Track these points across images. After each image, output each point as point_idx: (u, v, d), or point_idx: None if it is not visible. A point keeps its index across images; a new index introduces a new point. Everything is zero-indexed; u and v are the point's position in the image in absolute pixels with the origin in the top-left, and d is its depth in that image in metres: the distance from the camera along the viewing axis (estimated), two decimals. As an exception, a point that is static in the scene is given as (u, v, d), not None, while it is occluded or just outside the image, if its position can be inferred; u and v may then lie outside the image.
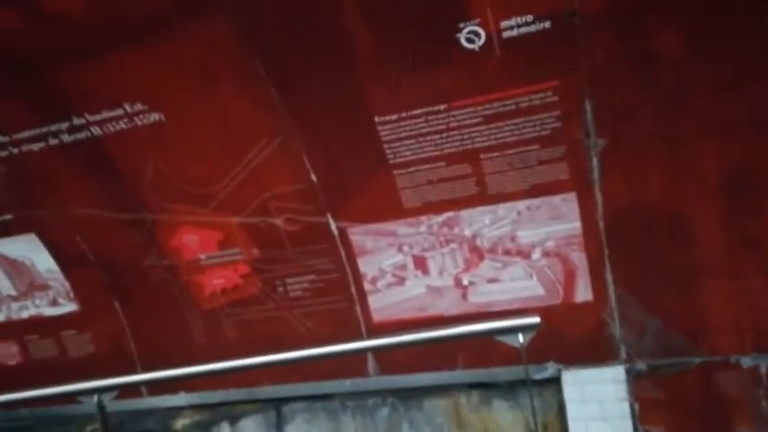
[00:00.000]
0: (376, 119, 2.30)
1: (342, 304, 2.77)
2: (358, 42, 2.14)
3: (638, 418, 2.49)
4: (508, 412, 2.75)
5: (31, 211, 2.88)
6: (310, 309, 2.83)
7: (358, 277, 2.71)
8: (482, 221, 2.49)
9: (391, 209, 2.51)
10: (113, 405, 2.84)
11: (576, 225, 2.38)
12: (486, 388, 2.78)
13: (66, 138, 2.53)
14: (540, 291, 2.53)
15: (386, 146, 2.35)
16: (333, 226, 2.61)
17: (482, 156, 2.33)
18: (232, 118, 2.39)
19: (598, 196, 2.31)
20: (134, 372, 3.18)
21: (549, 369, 2.62)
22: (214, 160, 2.52)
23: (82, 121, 2.45)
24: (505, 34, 2.02)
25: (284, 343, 2.82)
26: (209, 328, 3.02)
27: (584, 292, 2.47)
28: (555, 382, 2.62)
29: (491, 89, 2.17)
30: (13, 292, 3.21)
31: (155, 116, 2.40)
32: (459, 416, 2.82)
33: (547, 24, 1.98)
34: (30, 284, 3.17)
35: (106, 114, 2.42)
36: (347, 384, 2.95)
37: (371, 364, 2.88)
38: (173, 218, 2.73)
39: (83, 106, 2.40)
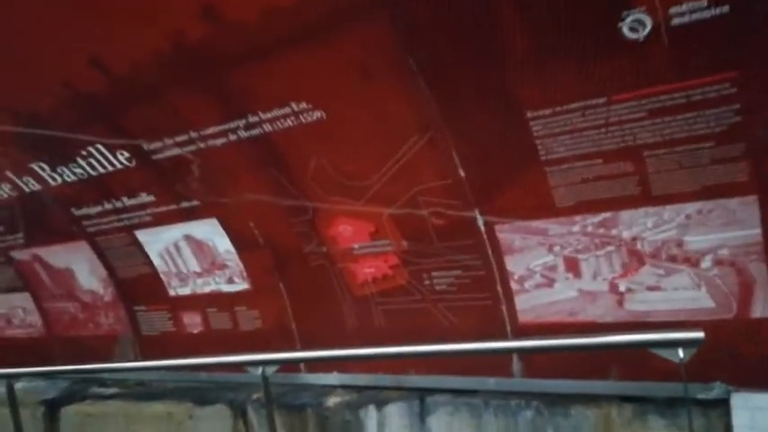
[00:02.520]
0: (528, 114, 2.23)
1: (487, 302, 2.75)
2: (512, 34, 2.09)
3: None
4: (665, 430, 2.53)
5: (214, 198, 3.25)
6: (455, 303, 2.85)
7: (505, 275, 2.66)
8: (644, 224, 2.31)
9: (542, 207, 2.43)
10: (276, 377, 3.10)
11: (755, 232, 2.12)
12: (641, 402, 2.58)
13: (243, 134, 2.81)
14: (710, 303, 2.29)
15: (537, 141, 2.28)
16: (480, 222, 2.59)
17: (646, 153, 2.15)
18: (386, 115, 2.48)
19: (784, 200, 2.03)
20: (294, 348, 3.45)
21: (716, 389, 2.36)
22: (369, 155, 2.64)
23: (256, 118, 2.70)
24: (675, 21, 1.85)
25: (428, 334, 2.88)
26: (360, 314, 3.17)
27: (762, 307, 2.18)
28: (723, 404, 2.36)
29: (657, 81, 1.99)
30: (198, 269, 3.66)
31: (317, 114, 2.57)
32: (608, 428, 2.65)
33: (725, 9, 1.77)
34: (211, 263, 3.57)
35: (276, 112, 2.64)
36: (491, 382, 2.92)
37: (516, 364, 2.82)
38: (330, 208, 2.91)
39: (256, 105, 2.65)
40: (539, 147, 2.28)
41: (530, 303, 2.66)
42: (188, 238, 3.53)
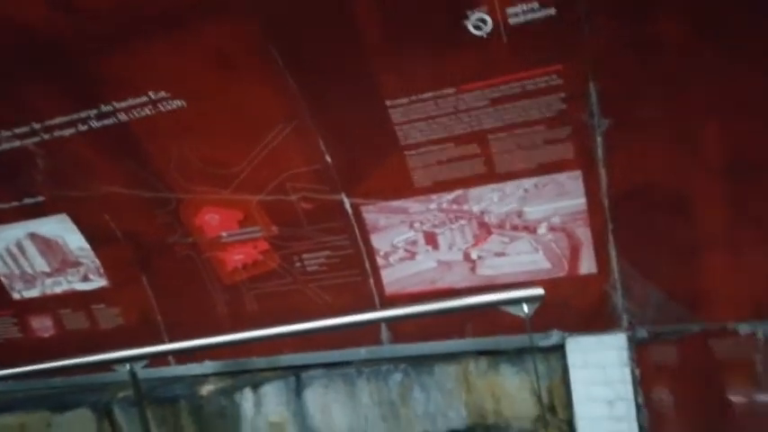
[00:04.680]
0: (387, 102, 2.39)
1: (356, 278, 2.91)
2: (368, 30, 2.21)
3: (638, 383, 2.63)
4: (515, 377, 2.90)
5: (63, 192, 3.02)
6: (326, 282, 2.98)
7: (371, 253, 2.84)
8: (490, 199, 2.60)
9: (403, 188, 2.62)
10: (144, 373, 3.02)
11: (581, 201, 2.48)
12: (494, 355, 2.92)
13: (94, 124, 2.64)
14: (546, 264, 2.65)
15: (397, 128, 2.45)
16: (347, 204, 2.73)
17: (490, 136, 2.42)
18: (250, 104, 2.49)
19: (602, 174, 2.40)
20: (162, 342, 3.36)
21: (554, 337, 2.75)
22: (233, 144, 2.63)
23: (110, 107, 2.57)
24: (512, 21, 2.09)
25: (302, 315, 2.97)
26: (232, 301, 3.18)
27: (588, 265, 2.58)
28: (559, 349, 2.76)
29: (498, 73, 2.24)
30: (47, 269, 3.38)
31: (177, 102, 2.51)
32: (467, 380, 2.98)
33: (552, 11, 2.05)
34: (62, 261, 3.33)
35: (132, 101, 2.52)
36: (362, 352, 3.11)
37: (385, 333, 3.03)
38: (196, 198, 2.86)
39: (110, 94, 2.51)
40: (398, 133, 2.46)
41: (395, 276, 2.87)
42: (33, 236, 3.24)
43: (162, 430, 3.29)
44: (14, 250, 3.32)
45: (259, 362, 3.30)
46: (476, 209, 2.63)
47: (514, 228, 2.64)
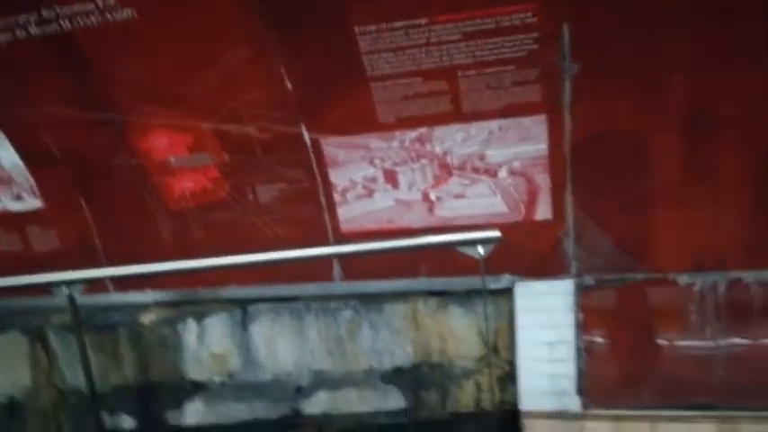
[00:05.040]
0: (356, 29, 2.26)
1: (311, 213, 2.83)
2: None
3: (581, 327, 2.73)
4: (463, 318, 2.96)
5: (-3, 105, 2.77)
6: (279, 216, 2.89)
7: (328, 188, 2.76)
8: (454, 139, 2.55)
9: (366, 122, 2.53)
10: (81, 300, 2.89)
11: (543, 147, 2.47)
12: (444, 296, 2.96)
13: (34, 30, 2.39)
14: (504, 208, 2.66)
15: (364, 57, 2.33)
16: (306, 136, 2.62)
17: (459, 73, 2.34)
18: (207, 19, 2.30)
19: (567, 120, 2.39)
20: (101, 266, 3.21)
21: (504, 280, 2.80)
22: (187, 61, 2.44)
23: (51, 13, 2.32)
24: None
25: (253, 247, 2.89)
26: (177, 229, 3.04)
27: (544, 211, 2.61)
28: (508, 292, 2.82)
29: (473, 6, 2.16)
30: (-25, 186, 3.14)
31: (126, 12, 2.29)
32: (416, 320, 3.02)
33: (532, -54, 1.96)
34: (-9, 178, 3.09)
35: (77, 8, 2.29)
36: (312, 288, 3.08)
37: (337, 270, 3.00)
38: (143, 119, 2.68)
39: (52, -2, 2.27)
40: (365, 63, 2.34)
41: (352, 213, 2.82)
42: (-39, 150, 2.97)
43: (99, 357, 3.20)
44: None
45: (203, 293, 3.22)
46: (438, 149, 2.59)
47: (475, 170, 2.62)
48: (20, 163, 2.97)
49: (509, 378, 2.94)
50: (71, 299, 2.73)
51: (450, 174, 2.64)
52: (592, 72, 2.26)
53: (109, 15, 2.31)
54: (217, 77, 2.48)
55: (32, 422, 3.37)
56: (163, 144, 2.77)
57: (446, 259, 2.72)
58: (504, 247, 2.58)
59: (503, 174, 2.58)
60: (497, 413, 2.97)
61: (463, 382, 3.07)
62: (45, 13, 2.33)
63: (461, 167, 2.61)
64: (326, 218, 2.84)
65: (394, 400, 3.12)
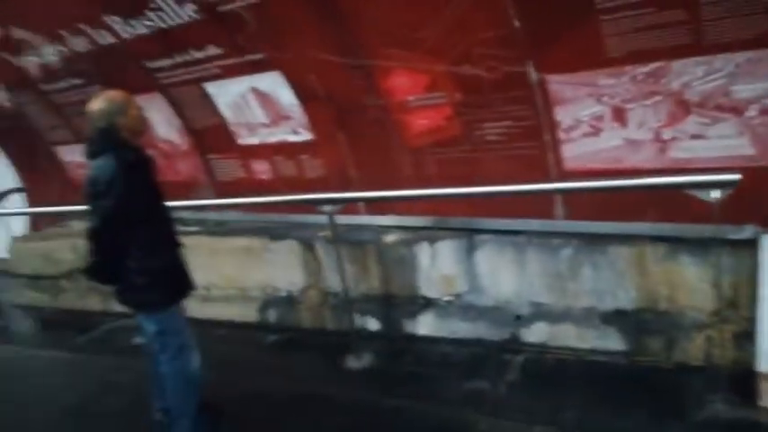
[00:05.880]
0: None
1: (535, 151, 2.91)
2: None
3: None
4: (696, 267, 2.76)
5: (277, 52, 3.37)
6: (504, 153, 3.02)
7: (553, 125, 2.78)
8: (693, 73, 2.35)
9: (594, 58, 2.47)
10: (339, 219, 3.45)
11: (802, 80, 2.15)
12: (674, 242, 2.80)
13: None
14: (751, 150, 2.39)
15: (594, -11, 2.28)
16: (532, 73, 2.67)
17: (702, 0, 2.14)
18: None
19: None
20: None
21: (747, 231, 2.54)
22: (423, 6, 2.68)
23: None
24: None
25: (479, 182, 3.10)
26: (415, 163, 3.39)
27: (801, 156, 2.28)
28: (752, 244, 2.55)
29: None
30: (265, 121, 3.90)
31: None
32: (642, 264, 2.91)
33: None
34: (277, 115, 3.79)
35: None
36: (534, 224, 3.17)
37: (559, 208, 3.04)
38: (387, 61, 3.02)
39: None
40: (595, -6, 2.29)
41: (576, 152, 2.81)
42: (254, 90, 3.72)
43: (352, 267, 3.78)
44: (240, 102, 3.86)
45: (437, 221, 3.55)
46: (675, 85, 2.41)
47: (719, 108, 2.38)
48: (296, 101, 3.60)
49: (747, 336, 2.68)
50: (330, 217, 3.28)
51: (687, 112, 2.45)
52: None
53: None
54: (450, 19, 2.66)
55: (304, 313, 4.14)
56: (403, 84, 3.08)
57: (677, 204, 2.56)
58: (749, 195, 2.33)
59: (751, 112, 2.31)
60: (729, 371, 2.75)
61: (693, 334, 2.89)
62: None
63: (701, 105, 2.40)
64: (551, 156, 2.88)
65: (613, 341, 3.08)
